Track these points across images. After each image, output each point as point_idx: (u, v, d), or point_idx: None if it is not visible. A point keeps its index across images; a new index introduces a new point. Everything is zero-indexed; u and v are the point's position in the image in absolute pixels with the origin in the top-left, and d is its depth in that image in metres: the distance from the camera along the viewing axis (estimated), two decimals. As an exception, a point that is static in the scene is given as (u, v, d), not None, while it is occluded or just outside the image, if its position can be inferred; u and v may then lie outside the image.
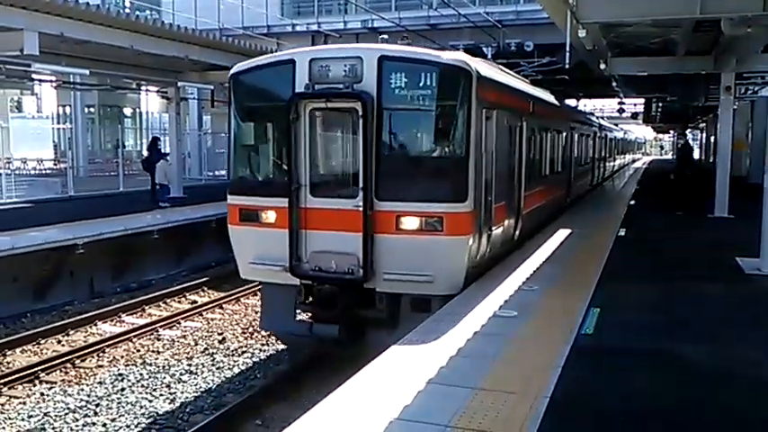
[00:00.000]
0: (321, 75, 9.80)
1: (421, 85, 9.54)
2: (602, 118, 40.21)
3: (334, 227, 9.90)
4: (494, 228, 10.87)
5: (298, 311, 10.72)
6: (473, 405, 5.85)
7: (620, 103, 44.76)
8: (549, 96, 18.05)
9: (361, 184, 9.62)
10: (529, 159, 13.77)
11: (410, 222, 9.56)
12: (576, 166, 22.44)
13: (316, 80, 9.82)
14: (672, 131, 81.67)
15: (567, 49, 17.52)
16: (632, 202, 23.52)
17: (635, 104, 51.79)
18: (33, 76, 30.64)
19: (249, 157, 11.22)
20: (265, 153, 11.00)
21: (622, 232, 15.92)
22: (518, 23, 27.16)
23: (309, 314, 10.78)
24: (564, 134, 19.36)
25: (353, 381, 6.40)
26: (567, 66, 18.65)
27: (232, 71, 10.80)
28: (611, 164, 38.74)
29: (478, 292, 9.64)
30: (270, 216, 10.29)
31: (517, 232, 12.87)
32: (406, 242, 9.60)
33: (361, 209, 9.59)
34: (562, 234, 15.19)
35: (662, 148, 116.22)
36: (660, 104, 42.50)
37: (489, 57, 18.76)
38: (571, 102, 34.01)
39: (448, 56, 9.89)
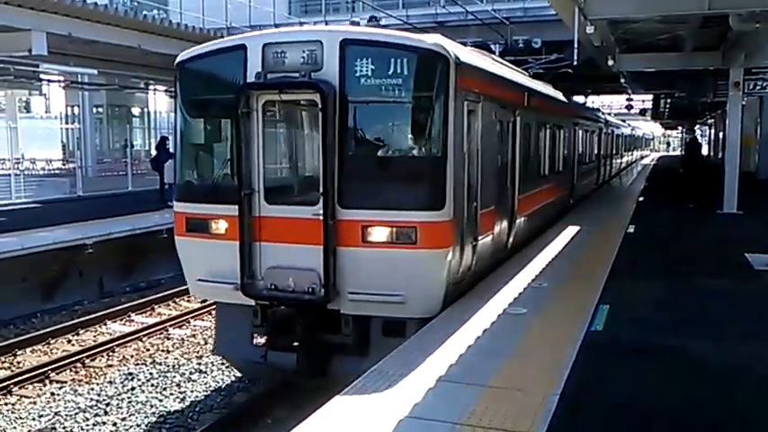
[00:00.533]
0: (276, 62, 8.54)
1: (390, 72, 8.25)
2: (610, 114, 39.98)
3: (292, 239, 8.66)
4: (480, 237, 9.66)
5: (255, 335, 9.52)
6: (483, 402, 5.85)
7: (628, 100, 44.63)
8: (547, 89, 17.16)
9: (321, 190, 8.39)
10: (524, 158, 12.74)
11: (378, 233, 8.35)
12: (580, 165, 21.43)
13: (270, 68, 8.55)
14: (680, 127, 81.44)
15: (575, 45, 17.46)
16: (641, 199, 23.45)
17: (643, 101, 51.68)
18: (41, 76, 30.78)
19: (197, 157, 9.90)
20: (215, 153, 9.69)
21: (631, 229, 15.88)
22: (525, 20, 27.07)
23: (264, 340, 9.40)
24: (566, 130, 18.35)
25: (362, 379, 6.40)
26: (575, 62, 18.58)
27: (178, 58, 9.45)
28: (619, 161, 38.15)
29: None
30: (220, 226, 9.01)
31: (510, 240, 11.82)
32: (373, 256, 8.37)
33: (321, 218, 8.35)
34: (571, 231, 15.16)
35: (668, 144, 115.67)
36: (668, 101, 42.39)
37: (497, 54, 18.71)
38: (579, 98, 33.84)
39: (420, 39, 8.54)
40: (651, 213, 19.45)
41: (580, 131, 21.14)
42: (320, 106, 8.27)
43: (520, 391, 6.09)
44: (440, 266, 8.42)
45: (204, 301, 14.27)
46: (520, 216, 12.25)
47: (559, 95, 18.72)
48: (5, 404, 10.43)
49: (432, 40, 8.54)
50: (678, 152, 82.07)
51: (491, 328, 7.94)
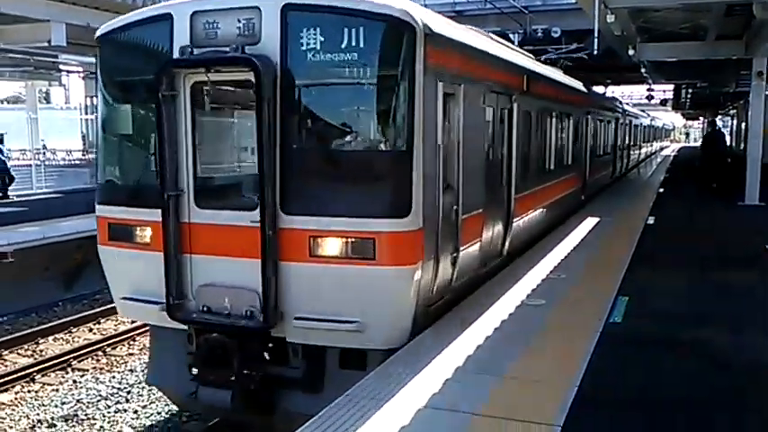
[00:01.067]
0: (208, 34, 7.11)
1: (342, 45, 6.74)
2: (628, 104, 39.56)
3: (227, 251, 7.23)
4: (463, 247, 8.31)
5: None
6: (500, 393, 5.85)
7: (648, 90, 44.29)
8: (554, 73, 15.74)
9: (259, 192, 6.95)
10: (523, 151, 11.29)
11: (330, 246, 6.92)
12: (594, 157, 19.96)
13: (200, 41, 7.13)
14: (701, 118, 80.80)
15: (595, 35, 17.35)
16: (661, 190, 23.31)
17: (664, 91, 51.28)
18: (61, 66, 31.02)
19: (120, 151, 8.34)
20: (140, 146, 8.10)
21: (651, 220, 15.79)
22: (545, 9, 26.91)
23: (196, 373, 7.49)
24: (576, 120, 16.85)
25: (384, 366, 6.42)
26: (595, 52, 18.45)
27: (98, 32, 7.99)
28: (637, 153, 37.30)
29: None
30: (145, 234, 7.59)
31: (506, 246, 10.47)
32: (324, 274, 6.93)
33: (259, 225, 6.92)
34: (590, 222, 15.09)
35: (687, 135, 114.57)
36: (690, 91, 42.05)
37: (516, 43, 18.62)
38: (599, 88, 33.58)
39: (382, 3, 6.91)
40: (671, 204, 19.33)
41: (593, 121, 19.80)
42: (255, 87, 6.77)
43: (538, 382, 6.09)
44: (405, 287, 6.96)
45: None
46: (518, 218, 10.97)
47: (569, 81, 17.48)
48: (29, 391, 10.57)
49: (397, 4, 6.97)
50: (699, 143, 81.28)
51: (509, 319, 7.92)
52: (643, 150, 42.09)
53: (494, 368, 6.40)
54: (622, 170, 28.95)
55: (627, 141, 30.40)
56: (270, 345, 7.27)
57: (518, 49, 13.57)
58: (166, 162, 7.21)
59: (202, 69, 7.11)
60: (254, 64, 6.73)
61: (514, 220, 10.68)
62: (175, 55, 7.21)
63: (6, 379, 10.67)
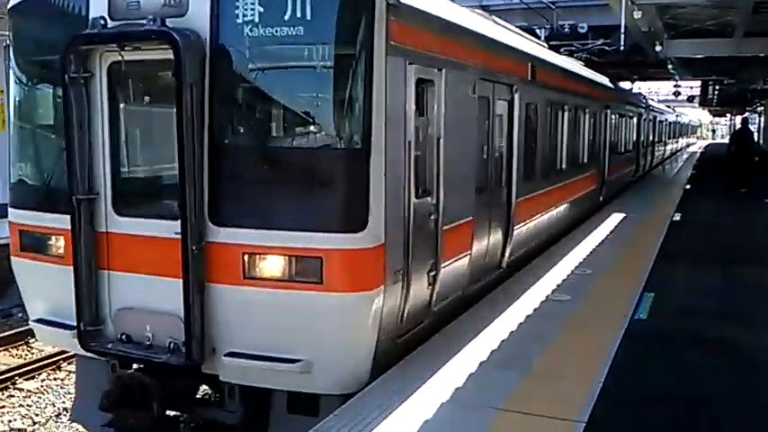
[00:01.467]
0: (129, 4, 5.89)
1: (286, 18, 5.55)
2: (653, 99, 39.19)
3: (150, 268, 5.99)
4: (446, 263, 7.11)
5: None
6: (525, 388, 5.84)
7: (675, 86, 43.98)
8: (566, 62, 14.56)
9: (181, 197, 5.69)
10: (526, 149, 10.05)
11: (268, 265, 5.70)
12: (614, 155, 18.79)
13: (118, 13, 5.91)
14: (728, 115, 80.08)
15: (622, 30, 17.25)
16: (688, 187, 23.12)
17: (691, 87, 50.92)
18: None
19: (35, 144, 7.00)
20: (54, 138, 6.60)
21: (677, 217, 15.68)
22: (571, 5, 26.78)
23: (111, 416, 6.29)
24: (593, 114, 15.63)
25: (407, 360, 6.43)
26: (621, 48, 18.36)
27: (11, 2, 6.73)
28: (662, 150, 36.71)
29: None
30: (60, 245, 6.35)
31: (506, 257, 9.38)
32: (261, 300, 5.71)
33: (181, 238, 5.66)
34: (616, 218, 15.01)
35: (713, 132, 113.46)
36: (717, 87, 41.71)
37: (542, 38, 18.53)
38: (625, 84, 33.31)
39: None
40: (698, 201, 19.17)
41: (613, 116, 18.55)
42: (174, 68, 5.53)
43: (562, 378, 6.08)
44: (360, 317, 5.75)
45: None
46: (521, 225, 9.86)
47: (585, 72, 16.31)
48: (54, 379, 10.67)
49: None
50: (727, 140, 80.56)
51: (534, 314, 7.90)
52: (668, 147, 41.65)
53: (518, 364, 6.39)
54: (646, 168, 28.36)
55: (651, 138, 29.75)
56: (200, 384, 6.13)
57: (523, 33, 12.03)
58: (75, 159, 5.98)
59: (116, 46, 5.89)
60: (173, 39, 5.46)
61: (516, 227, 9.57)
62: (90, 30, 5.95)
63: (32, 366, 10.79)
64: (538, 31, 19.88)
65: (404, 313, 6.34)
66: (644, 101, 28.23)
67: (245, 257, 5.70)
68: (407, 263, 6.28)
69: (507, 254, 9.39)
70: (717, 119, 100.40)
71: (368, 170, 5.66)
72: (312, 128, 6.01)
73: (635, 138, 24.00)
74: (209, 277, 5.77)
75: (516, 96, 9.35)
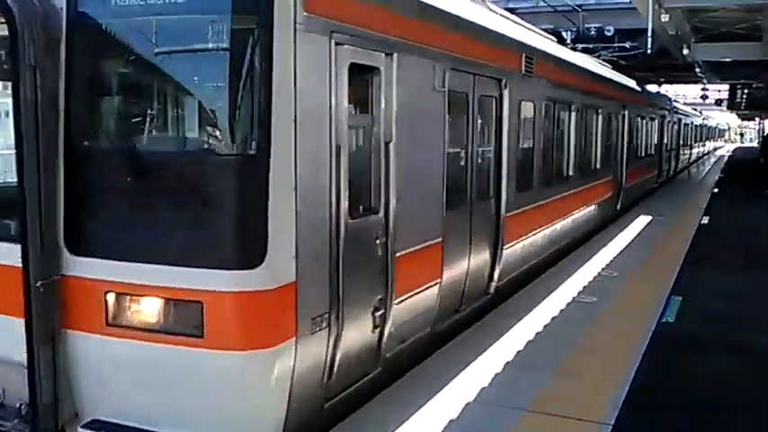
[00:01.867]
0: None
1: None
2: (677, 101, 38.73)
3: None
4: (402, 297, 5.87)
5: None
6: (552, 390, 5.84)
7: (703, 90, 43.64)
8: (574, 56, 13.16)
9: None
10: (521, 155, 8.89)
11: (139, 309, 4.49)
12: (633, 159, 17.39)
13: None
14: (757, 119, 79.29)
15: (649, 33, 17.18)
16: (715, 191, 22.94)
17: (719, 90, 50.50)
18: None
19: None
20: None
21: (705, 220, 15.58)
22: (598, 7, 26.70)
23: None
24: (608, 115, 14.36)
25: (431, 361, 6.45)
26: (648, 51, 18.27)
27: None
28: (687, 153, 35.84)
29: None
30: None
31: (494, 281, 8.21)
32: (130, 353, 4.49)
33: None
34: (642, 221, 14.94)
35: (742, 135, 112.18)
36: (745, 91, 41.36)
37: (569, 41, 18.49)
38: (652, 87, 33.03)
39: None
40: (726, 205, 19.03)
41: (633, 118, 17.19)
42: (9, 44, 4.28)
43: (589, 380, 6.07)
44: (259, 382, 4.44)
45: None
46: (512, 243, 8.62)
47: (598, 68, 14.97)
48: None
49: None
50: (756, 144, 79.68)
51: (560, 316, 7.89)
52: (695, 151, 41.08)
53: (545, 364, 6.39)
54: (670, 173, 27.37)
55: (676, 142, 28.86)
56: None
57: (519, 20, 10.33)
58: None
59: None
60: (6, 6, 4.20)
61: (506, 246, 8.35)
62: None
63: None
64: (564, 33, 19.83)
65: (332, 368, 5.03)
66: (668, 102, 27.51)
67: (110, 298, 4.48)
68: (337, 304, 4.96)
69: (496, 277, 8.21)
70: (745, 122, 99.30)
71: (266, 184, 4.26)
72: (193, 127, 4.81)
73: (657, 141, 22.98)
74: (64, 321, 4.53)
75: (506, 92, 8.07)
